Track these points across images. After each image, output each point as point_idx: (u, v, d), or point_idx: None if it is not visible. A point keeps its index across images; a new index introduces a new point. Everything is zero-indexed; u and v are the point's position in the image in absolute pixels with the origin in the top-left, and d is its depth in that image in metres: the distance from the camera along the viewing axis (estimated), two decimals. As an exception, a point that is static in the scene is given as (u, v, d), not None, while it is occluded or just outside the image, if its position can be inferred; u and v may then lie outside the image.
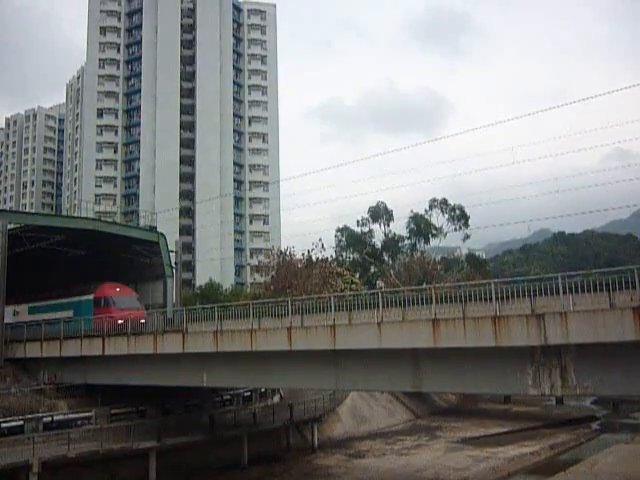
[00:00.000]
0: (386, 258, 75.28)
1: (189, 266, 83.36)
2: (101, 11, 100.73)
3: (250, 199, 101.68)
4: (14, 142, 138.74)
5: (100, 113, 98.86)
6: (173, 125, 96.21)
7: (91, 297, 35.93)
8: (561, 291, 16.65)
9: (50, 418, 29.24)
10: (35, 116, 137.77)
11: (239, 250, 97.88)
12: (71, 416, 30.01)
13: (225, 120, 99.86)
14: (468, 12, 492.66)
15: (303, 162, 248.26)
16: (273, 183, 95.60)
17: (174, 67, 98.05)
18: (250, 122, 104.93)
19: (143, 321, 29.43)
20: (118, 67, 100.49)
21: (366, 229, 75.32)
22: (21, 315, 40.58)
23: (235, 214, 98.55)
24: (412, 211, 73.33)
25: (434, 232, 73.02)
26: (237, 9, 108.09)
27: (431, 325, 18.76)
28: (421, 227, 73.16)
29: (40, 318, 36.30)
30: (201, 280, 79.51)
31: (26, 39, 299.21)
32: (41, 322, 34.73)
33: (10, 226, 37.08)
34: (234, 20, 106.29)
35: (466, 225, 71.60)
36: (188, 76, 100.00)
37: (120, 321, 29.31)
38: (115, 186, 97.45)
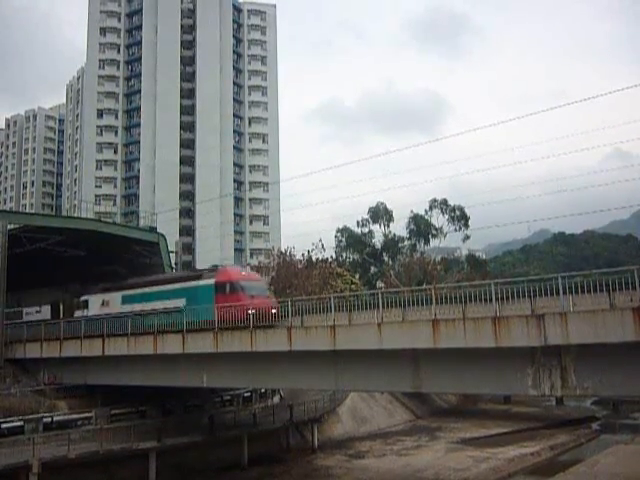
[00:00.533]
0: (386, 259, 75.34)
1: (189, 266, 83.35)
2: (101, 12, 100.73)
3: (250, 200, 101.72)
4: (14, 142, 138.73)
5: (100, 114, 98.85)
6: (173, 126, 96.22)
7: (212, 282, 29.82)
8: (561, 291, 16.66)
9: (50, 419, 29.27)
10: (35, 117, 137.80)
11: (239, 251, 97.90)
12: (71, 417, 30.05)
13: (225, 121, 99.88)
14: (467, 13, 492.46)
15: (303, 162, 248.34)
16: (273, 184, 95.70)
17: (174, 68, 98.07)
18: (250, 123, 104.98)
19: (274, 311, 24.30)
20: (118, 68, 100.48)
21: (366, 230, 75.48)
22: (111, 305, 35.19)
23: (235, 215, 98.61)
24: (412, 212, 73.50)
25: (434, 233, 73.13)
26: (237, 10, 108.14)
27: (431, 326, 18.77)
28: (421, 228, 73.26)
29: (138, 309, 31.84)
30: (201, 280, 79.26)
31: (26, 40, 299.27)
32: (140, 313, 30.45)
33: (10, 226, 37.12)
34: (234, 21, 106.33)
35: (466, 226, 71.72)
36: (188, 77, 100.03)
37: (251, 310, 24.17)
38: (115, 187, 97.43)
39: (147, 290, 33.51)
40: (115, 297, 35.42)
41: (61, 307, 39.26)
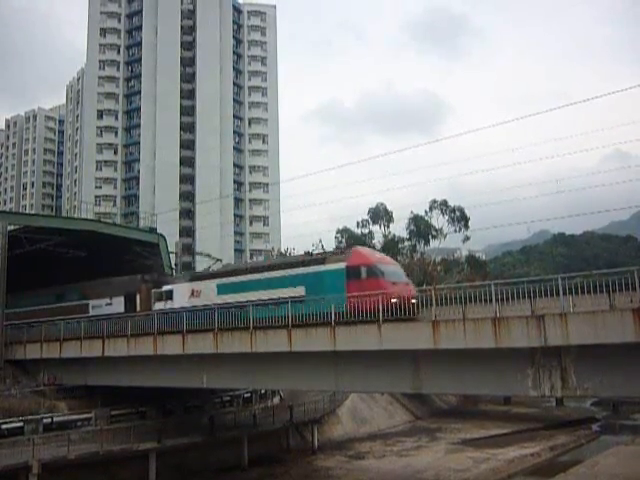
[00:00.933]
0: (386, 259, 75.15)
1: (189, 267, 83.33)
2: (101, 12, 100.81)
3: (250, 200, 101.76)
4: (14, 143, 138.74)
5: (100, 114, 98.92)
6: (173, 126, 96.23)
7: (342, 266, 24.95)
8: (561, 292, 16.67)
9: (50, 419, 29.29)
10: (35, 117, 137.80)
11: (239, 251, 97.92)
12: (71, 417, 30.07)
13: (225, 121, 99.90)
14: (466, 13, 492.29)
15: (303, 163, 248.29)
16: (273, 184, 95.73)
17: (174, 68, 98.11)
18: (250, 123, 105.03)
19: (414, 301, 20.82)
20: (118, 68, 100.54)
21: (366, 230, 75.36)
22: (203, 296, 30.39)
23: (235, 215, 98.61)
24: (412, 212, 73.45)
25: (434, 233, 72.99)
26: (237, 10, 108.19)
27: (431, 326, 18.78)
28: (421, 228, 73.16)
29: (241, 299, 27.25)
30: (201, 281, 79.25)
31: (26, 40, 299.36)
32: (240, 305, 25.88)
33: (10, 227, 37.14)
34: (234, 21, 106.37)
35: (466, 226, 71.57)
36: (188, 77, 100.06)
37: (394, 300, 20.44)
38: (115, 187, 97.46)
39: (252, 277, 28.75)
40: (209, 286, 30.61)
41: (138, 298, 35.00)
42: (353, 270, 24.52)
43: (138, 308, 34.08)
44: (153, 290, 33.98)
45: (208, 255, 39.87)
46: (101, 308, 36.42)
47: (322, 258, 26.94)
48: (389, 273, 24.37)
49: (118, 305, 35.77)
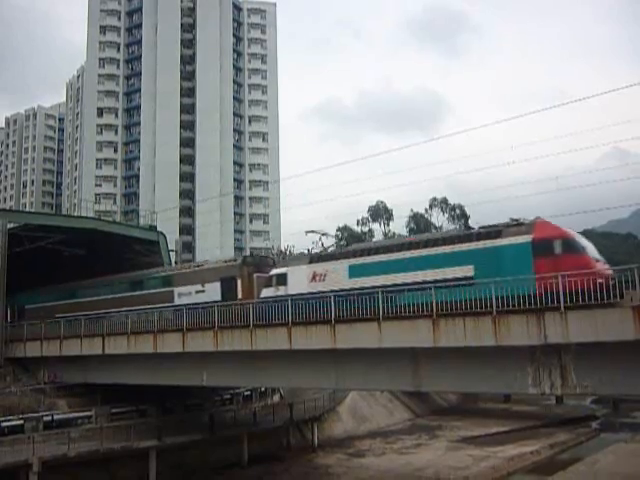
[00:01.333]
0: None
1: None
2: (101, 10, 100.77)
3: (250, 198, 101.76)
4: (14, 141, 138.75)
5: (100, 112, 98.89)
6: (173, 124, 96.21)
7: (526, 240, 20.54)
8: (561, 290, 16.65)
9: (50, 417, 29.33)
10: (35, 115, 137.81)
11: (239, 249, 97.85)
12: (71, 415, 30.10)
13: (225, 119, 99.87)
14: (465, 11, 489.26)
15: (302, 161, 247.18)
16: (273, 182, 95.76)
17: (174, 66, 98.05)
18: (250, 121, 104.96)
19: (612, 282, 16.94)
20: (118, 66, 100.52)
21: (366, 228, 75.57)
22: (329, 280, 25.42)
23: (235, 213, 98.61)
24: (412, 210, 73.58)
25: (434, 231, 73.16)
26: (237, 8, 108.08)
27: (431, 324, 18.77)
28: (421, 226, 73.34)
29: (380, 283, 22.73)
30: (201, 279, 79.26)
31: (26, 38, 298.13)
32: (380, 289, 21.27)
33: (10, 225, 37.14)
34: (234, 19, 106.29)
35: (466, 224, 71.72)
36: (188, 75, 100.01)
37: (600, 280, 16.92)
38: (115, 185, 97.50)
39: (398, 256, 23.85)
40: (337, 268, 25.61)
41: (239, 284, 30.18)
42: (543, 244, 20.16)
43: (240, 295, 29.45)
44: (256, 274, 29.65)
45: (325, 234, 35.00)
46: (190, 296, 31.80)
47: (497, 231, 22.24)
48: (590, 248, 20.36)
49: (213, 292, 30.88)
